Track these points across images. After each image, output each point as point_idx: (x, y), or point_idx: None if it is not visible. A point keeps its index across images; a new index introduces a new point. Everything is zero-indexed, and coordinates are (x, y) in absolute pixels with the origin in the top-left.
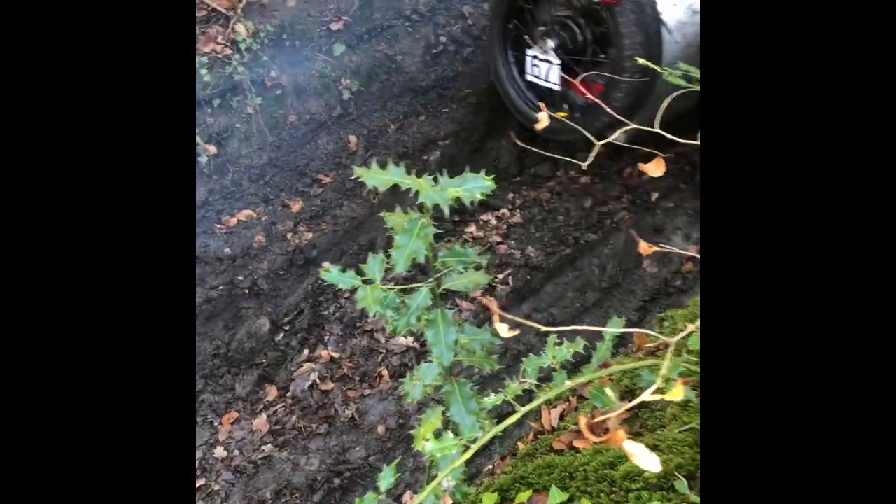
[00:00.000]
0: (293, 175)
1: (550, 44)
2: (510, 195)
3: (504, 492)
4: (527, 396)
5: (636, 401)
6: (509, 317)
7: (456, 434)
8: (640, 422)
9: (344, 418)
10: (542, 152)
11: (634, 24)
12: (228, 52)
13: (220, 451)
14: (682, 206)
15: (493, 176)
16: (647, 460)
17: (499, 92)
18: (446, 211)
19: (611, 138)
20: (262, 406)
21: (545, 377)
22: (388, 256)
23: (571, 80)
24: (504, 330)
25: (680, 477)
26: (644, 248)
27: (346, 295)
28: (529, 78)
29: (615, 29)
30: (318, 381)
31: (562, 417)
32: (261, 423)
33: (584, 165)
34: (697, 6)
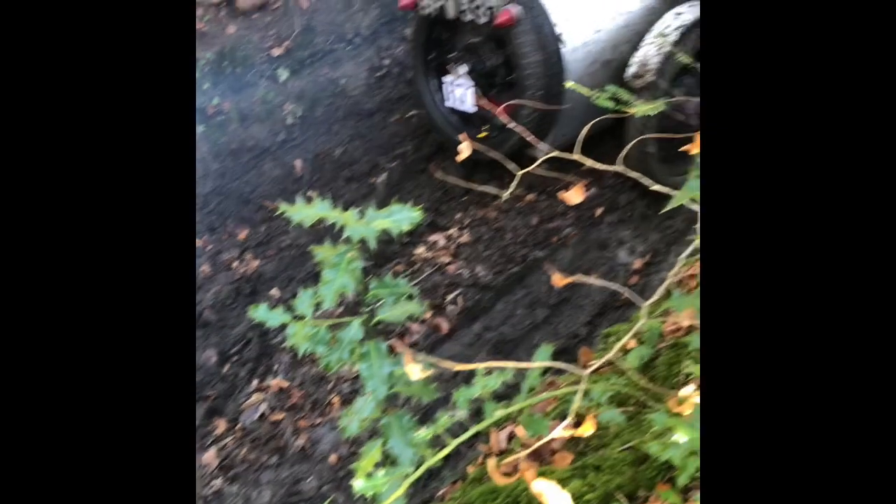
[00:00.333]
0: (238, 203)
1: (463, 69)
2: (458, 215)
3: None
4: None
5: (544, 439)
6: (421, 357)
7: (395, 466)
8: (585, 441)
9: (295, 448)
10: (462, 184)
11: (532, 45)
12: None
13: None
14: (626, 220)
15: (438, 195)
16: (556, 500)
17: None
18: (373, 245)
19: (531, 168)
20: (210, 440)
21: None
22: None
23: (487, 101)
24: (416, 372)
25: (621, 498)
26: (557, 280)
27: None
28: (448, 103)
29: (514, 50)
30: (267, 411)
31: (510, 439)
32: (210, 457)
33: (505, 196)
34: (597, 24)
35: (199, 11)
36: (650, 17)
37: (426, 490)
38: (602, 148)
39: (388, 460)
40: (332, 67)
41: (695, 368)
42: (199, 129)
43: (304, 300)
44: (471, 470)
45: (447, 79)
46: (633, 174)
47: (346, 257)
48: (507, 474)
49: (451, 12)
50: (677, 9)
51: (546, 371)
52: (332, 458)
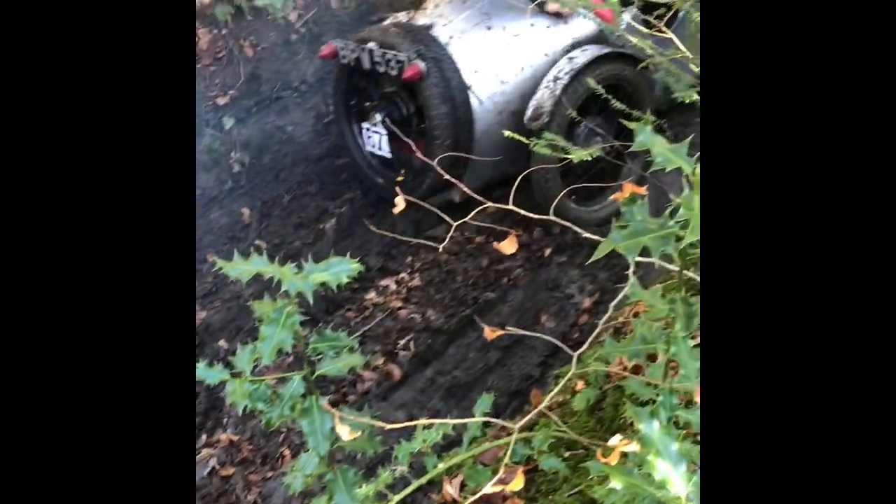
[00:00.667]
0: None
1: (378, 117)
2: (409, 258)
3: None
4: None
5: (480, 493)
6: (352, 418)
7: None
8: (536, 486)
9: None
10: (390, 235)
11: (440, 97)
12: None
13: None
14: (574, 260)
15: (389, 238)
16: None
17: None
18: (310, 299)
19: (467, 219)
20: None
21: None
22: None
23: (401, 146)
24: (345, 433)
25: None
26: (488, 333)
27: None
28: (368, 149)
29: (424, 101)
30: (217, 466)
31: (462, 487)
32: None
33: (441, 248)
34: (504, 76)
35: None
36: (552, 66)
37: None
38: (528, 192)
39: None
40: (279, 115)
41: (632, 411)
42: None
43: (243, 356)
44: None
45: (365, 125)
46: (565, 223)
47: (285, 312)
48: None
49: (366, 63)
50: (571, 53)
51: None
52: None
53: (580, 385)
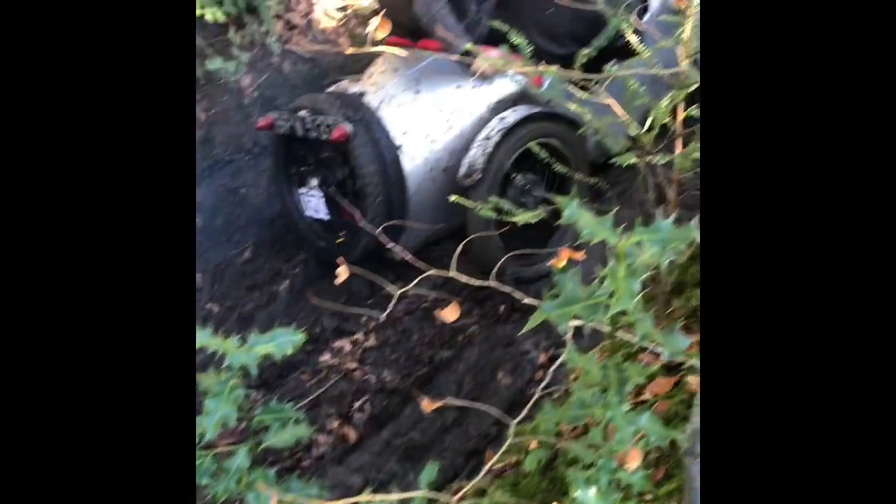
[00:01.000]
0: None
1: (314, 181)
2: (364, 318)
3: None
4: None
5: None
6: (296, 486)
7: None
8: None
9: None
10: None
11: (369, 157)
12: None
13: None
14: (529, 315)
15: (343, 299)
16: None
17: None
18: (254, 372)
19: (408, 287)
20: None
21: None
22: None
23: (341, 208)
24: None
25: None
26: (426, 406)
27: None
28: (308, 213)
29: (354, 163)
30: None
31: None
32: None
33: (382, 317)
34: (434, 135)
35: None
36: (481, 125)
37: None
38: (473, 251)
39: None
40: (232, 177)
41: (570, 477)
42: None
43: None
44: None
45: (302, 190)
46: (505, 288)
47: (229, 386)
48: None
49: (299, 131)
50: (502, 114)
51: (442, 486)
52: None
53: (533, 444)
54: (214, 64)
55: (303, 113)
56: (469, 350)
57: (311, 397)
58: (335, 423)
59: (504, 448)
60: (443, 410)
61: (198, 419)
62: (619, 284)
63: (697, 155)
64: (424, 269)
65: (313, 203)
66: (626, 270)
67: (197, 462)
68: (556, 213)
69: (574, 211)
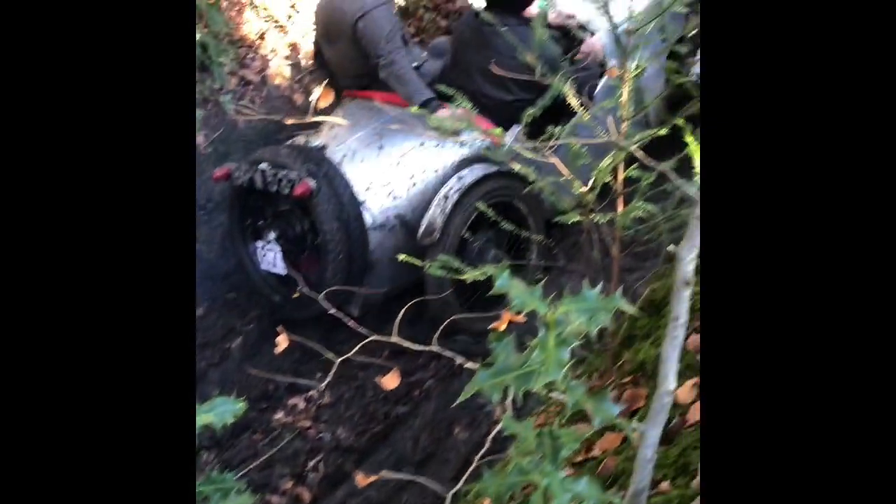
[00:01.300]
0: None
1: (272, 235)
2: (318, 375)
3: None
4: None
5: None
6: None
7: None
8: None
9: None
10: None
11: (332, 213)
12: None
13: None
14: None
15: (297, 355)
16: None
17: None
18: (196, 441)
19: (349, 354)
20: None
21: None
22: None
23: (299, 262)
24: None
25: None
26: (360, 480)
27: None
28: (264, 267)
29: (316, 218)
30: None
31: None
32: None
33: (322, 386)
34: (396, 191)
35: None
36: (444, 182)
37: None
38: (431, 310)
39: None
40: None
41: None
42: None
43: None
44: None
45: (259, 244)
46: (447, 353)
47: None
48: None
49: (259, 184)
50: (460, 173)
51: None
52: None
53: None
54: None
55: (263, 166)
56: (425, 405)
57: (263, 457)
58: (288, 484)
59: None
60: (400, 468)
61: None
62: (549, 354)
63: (639, 213)
64: (367, 334)
65: (269, 257)
66: (556, 340)
67: None
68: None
69: (505, 281)
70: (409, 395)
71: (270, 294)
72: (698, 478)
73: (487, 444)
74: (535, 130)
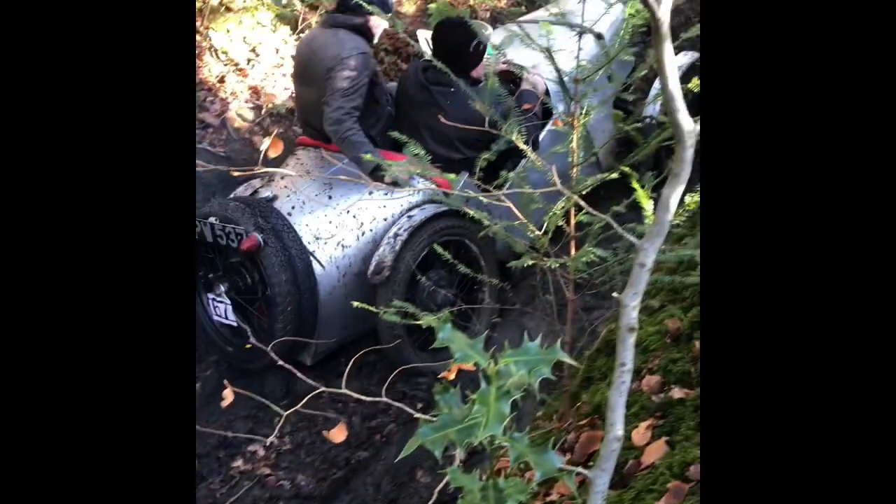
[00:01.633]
0: None
1: (222, 287)
2: (277, 419)
3: None
4: None
5: None
6: None
7: None
8: None
9: None
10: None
11: (279, 265)
12: None
13: None
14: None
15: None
16: None
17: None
18: None
19: (298, 405)
20: None
21: None
22: None
23: (251, 313)
24: None
25: None
26: None
27: None
28: (215, 318)
29: (265, 271)
30: None
31: None
32: None
33: (271, 439)
34: (346, 241)
35: None
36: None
37: None
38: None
39: None
40: None
41: None
42: None
43: None
44: None
45: (210, 295)
46: (396, 404)
47: None
48: None
49: (208, 237)
50: (411, 212)
51: None
52: None
53: None
54: None
55: (212, 220)
56: (386, 450)
57: None
58: None
59: None
60: None
61: None
62: (490, 407)
63: (591, 258)
64: (314, 385)
65: (221, 308)
66: (497, 392)
67: None
68: (464, 314)
69: (447, 333)
70: (369, 439)
71: (224, 345)
72: None
73: (434, 496)
74: (488, 175)
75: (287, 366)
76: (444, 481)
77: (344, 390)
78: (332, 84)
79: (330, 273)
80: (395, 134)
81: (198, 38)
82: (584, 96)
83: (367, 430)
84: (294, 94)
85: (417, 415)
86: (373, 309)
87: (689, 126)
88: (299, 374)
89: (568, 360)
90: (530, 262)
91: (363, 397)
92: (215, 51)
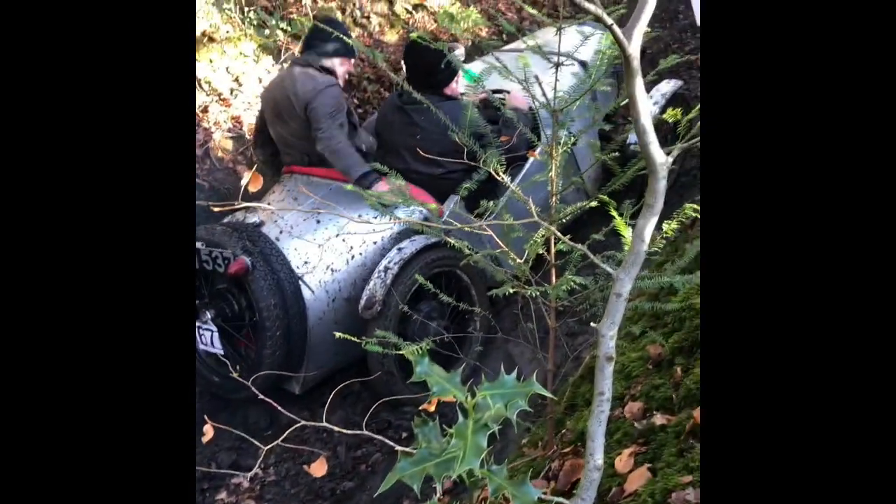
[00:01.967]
0: None
1: (209, 314)
2: (261, 451)
3: None
4: None
5: None
6: None
7: None
8: None
9: None
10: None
11: (267, 290)
12: None
13: None
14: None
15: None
16: None
17: None
18: None
19: (279, 438)
20: None
21: None
22: None
23: (237, 341)
24: None
25: None
26: None
27: None
28: (201, 347)
29: (253, 295)
30: None
31: None
32: None
33: (252, 473)
34: (335, 265)
35: None
36: (384, 254)
37: None
38: (376, 383)
39: None
40: None
41: None
42: None
43: None
44: None
45: (196, 323)
46: (378, 437)
47: None
48: None
49: (195, 263)
50: (401, 244)
51: None
52: None
53: None
54: None
55: (199, 245)
56: (372, 479)
57: None
58: None
59: None
60: None
61: None
62: (467, 441)
63: (572, 285)
64: (295, 418)
65: (207, 337)
66: (475, 426)
67: None
68: (452, 344)
69: (425, 367)
70: (355, 469)
71: (209, 374)
72: None
73: None
74: (470, 202)
75: (267, 399)
76: None
77: (325, 424)
78: (316, 112)
79: (319, 297)
80: (377, 165)
81: None
82: (562, 125)
83: (353, 459)
84: (273, 135)
85: (398, 448)
86: (356, 339)
87: (661, 158)
88: (279, 408)
89: (544, 392)
90: (511, 291)
91: (344, 430)
92: (199, 81)
